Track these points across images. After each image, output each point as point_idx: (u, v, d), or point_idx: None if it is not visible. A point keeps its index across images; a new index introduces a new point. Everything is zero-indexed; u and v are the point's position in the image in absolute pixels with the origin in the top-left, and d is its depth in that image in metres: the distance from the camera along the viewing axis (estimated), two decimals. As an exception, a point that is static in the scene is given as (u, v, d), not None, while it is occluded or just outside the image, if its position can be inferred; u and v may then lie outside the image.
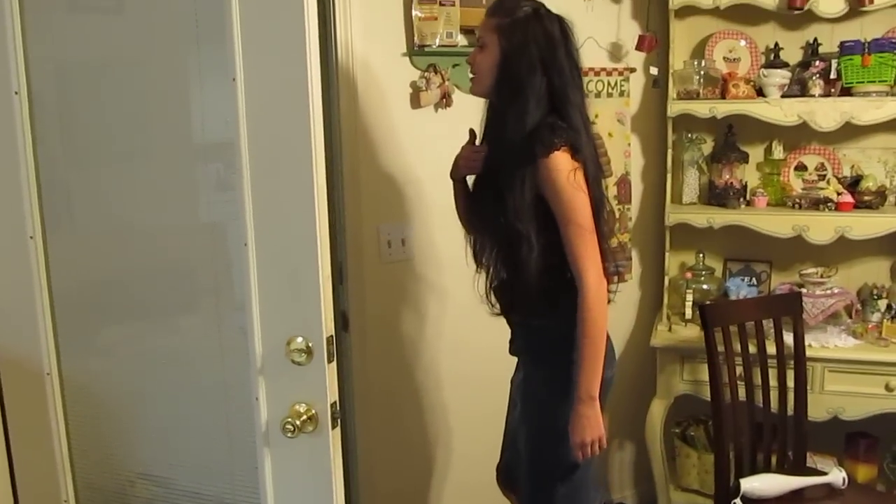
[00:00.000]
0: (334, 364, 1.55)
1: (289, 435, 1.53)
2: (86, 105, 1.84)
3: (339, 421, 1.57)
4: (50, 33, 1.82)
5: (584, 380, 1.92)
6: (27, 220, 1.85)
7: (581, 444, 1.95)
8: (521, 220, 1.92)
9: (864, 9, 2.82)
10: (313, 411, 1.54)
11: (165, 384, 1.88)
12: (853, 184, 2.99)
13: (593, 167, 1.97)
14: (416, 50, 2.63)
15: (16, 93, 1.81)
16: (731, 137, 3.11)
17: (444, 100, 2.69)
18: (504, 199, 1.93)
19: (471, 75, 2.06)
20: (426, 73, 2.65)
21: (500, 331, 2.19)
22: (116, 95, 1.82)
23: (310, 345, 1.52)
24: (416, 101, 2.66)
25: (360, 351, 2.68)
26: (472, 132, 2.15)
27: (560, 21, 1.98)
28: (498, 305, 2.13)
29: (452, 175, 2.19)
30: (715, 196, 3.11)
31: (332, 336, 1.54)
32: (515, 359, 2.22)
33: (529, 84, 1.91)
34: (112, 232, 1.89)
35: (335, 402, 1.55)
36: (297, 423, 1.52)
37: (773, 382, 2.72)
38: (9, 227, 1.86)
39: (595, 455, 1.97)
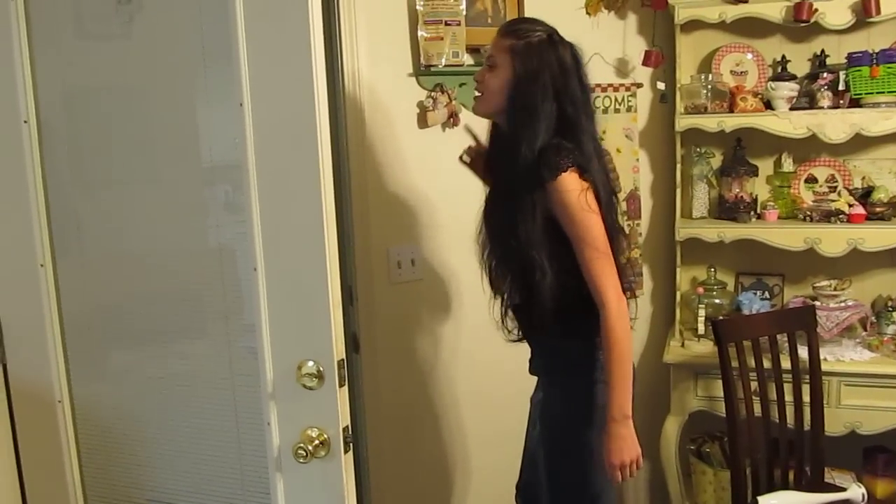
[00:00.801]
0: (346, 388, 1.54)
1: (301, 460, 1.52)
2: (94, 132, 1.85)
3: (351, 445, 1.56)
4: (58, 61, 1.83)
5: (616, 399, 1.89)
6: (37, 247, 1.85)
7: (620, 465, 1.91)
8: (534, 246, 1.91)
9: (871, 20, 2.81)
10: (325, 436, 1.53)
11: (176, 410, 1.88)
12: (864, 195, 2.97)
13: (604, 191, 1.96)
14: (422, 70, 2.63)
15: (25, 121, 1.82)
16: (739, 151, 3.10)
17: (452, 119, 2.69)
18: (515, 224, 1.92)
19: (476, 93, 2.06)
20: (433, 93, 2.65)
21: (515, 349, 2.17)
22: (125, 122, 1.82)
23: (321, 369, 1.51)
24: (423, 121, 2.67)
25: (372, 373, 2.66)
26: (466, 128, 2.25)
27: (572, 48, 1.98)
28: (516, 329, 2.12)
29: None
30: (725, 210, 3.10)
31: (343, 360, 1.53)
32: (533, 377, 2.20)
33: (542, 110, 1.91)
34: (122, 258, 1.89)
35: (347, 427, 1.54)
36: (310, 448, 1.51)
37: (788, 397, 2.69)
38: (19, 255, 1.87)
39: (634, 476, 1.94)
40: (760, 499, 2.47)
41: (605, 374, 1.91)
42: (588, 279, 1.89)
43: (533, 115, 1.91)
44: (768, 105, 2.97)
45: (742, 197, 3.07)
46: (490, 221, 2.07)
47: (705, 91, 2.99)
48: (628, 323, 1.91)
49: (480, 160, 2.24)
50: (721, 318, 2.92)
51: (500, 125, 2.04)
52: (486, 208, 2.11)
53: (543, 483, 2.11)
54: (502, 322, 2.12)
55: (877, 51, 2.82)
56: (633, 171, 3.17)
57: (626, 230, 3.14)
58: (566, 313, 1.97)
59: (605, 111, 3.06)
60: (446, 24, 2.61)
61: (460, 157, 2.26)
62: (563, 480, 2.05)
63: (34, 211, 1.84)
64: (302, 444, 1.51)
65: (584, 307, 1.93)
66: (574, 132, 1.92)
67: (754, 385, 2.67)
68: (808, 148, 3.05)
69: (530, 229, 1.91)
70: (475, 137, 2.26)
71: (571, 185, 1.87)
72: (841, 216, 2.91)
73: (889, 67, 2.78)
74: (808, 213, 2.99)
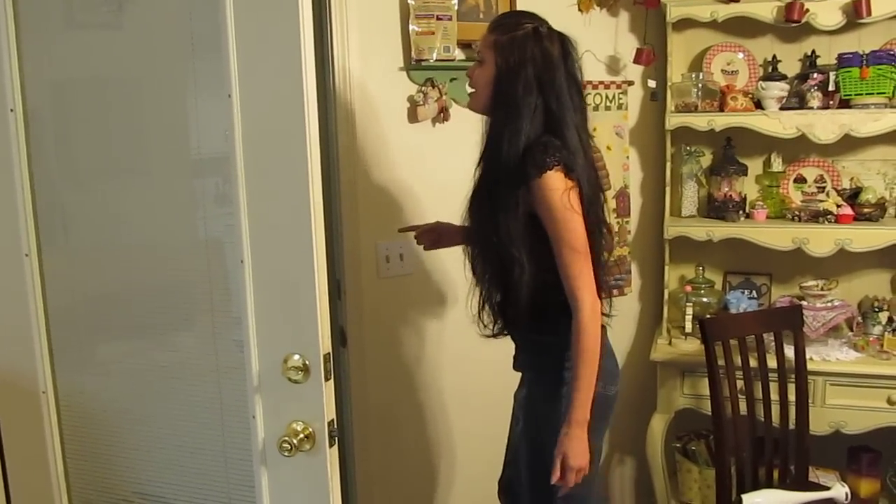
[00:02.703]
0: (332, 382, 1.54)
1: (286, 454, 1.51)
2: (81, 122, 1.84)
3: (336, 439, 1.55)
4: (45, 50, 1.81)
5: (581, 402, 1.89)
6: (22, 237, 1.84)
7: (579, 469, 1.89)
8: (514, 242, 1.91)
9: (862, 21, 2.82)
10: (310, 430, 1.53)
11: (161, 402, 1.87)
12: (853, 196, 2.98)
13: (589, 188, 1.95)
14: (413, 64, 2.62)
15: (11, 110, 1.80)
16: (729, 150, 3.11)
17: (442, 114, 2.69)
18: (497, 220, 1.92)
19: (470, 90, 2.06)
20: (423, 88, 2.64)
21: (501, 345, 2.17)
22: (112, 112, 1.81)
23: (307, 362, 1.51)
24: (413, 116, 2.66)
25: (359, 367, 2.66)
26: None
27: (562, 40, 1.96)
28: (497, 323, 2.11)
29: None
30: (714, 209, 3.11)
31: (329, 353, 1.52)
32: (517, 373, 2.20)
33: (525, 104, 1.90)
34: (108, 249, 1.88)
35: (332, 420, 1.54)
36: (295, 441, 1.51)
37: (774, 396, 2.70)
38: (4, 244, 1.85)
39: (575, 484, 1.92)
40: (745, 497, 2.48)
41: (571, 373, 1.91)
42: (564, 279, 1.89)
43: (515, 111, 1.90)
44: (758, 105, 2.98)
45: (731, 196, 3.08)
46: (473, 214, 2.07)
47: (696, 90, 3.00)
48: (599, 326, 1.91)
49: (438, 235, 2.36)
50: (708, 316, 2.93)
51: (490, 121, 2.03)
52: (471, 200, 2.10)
53: (524, 477, 2.10)
54: (479, 316, 2.11)
55: (867, 52, 2.83)
56: (624, 168, 3.18)
57: (615, 228, 3.14)
58: (548, 310, 1.97)
59: (596, 108, 3.06)
60: (438, 18, 2.61)
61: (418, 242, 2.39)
62: (544, 476, 2.04)
63: (20, 200, 1.83)
64: (287, 438, 1.51)
65: (566, 304, 1.93)
66: (559, 127, 1.91)
67: (740, 384, 2.68)
68: (798, 148, 3.07)
69: (512, 226, 1.90)
70: (412, 228, 2.39)
71: (555, 183, 1.86)
72: (829, 216, 2.92)
73: (879, 69, 2.79)
74: (797, 212, 3.01)
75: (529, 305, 1.95)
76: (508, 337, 2.15)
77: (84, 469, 1.97)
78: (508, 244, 1.92)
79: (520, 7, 2.76)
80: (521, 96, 1.90)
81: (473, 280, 2.10)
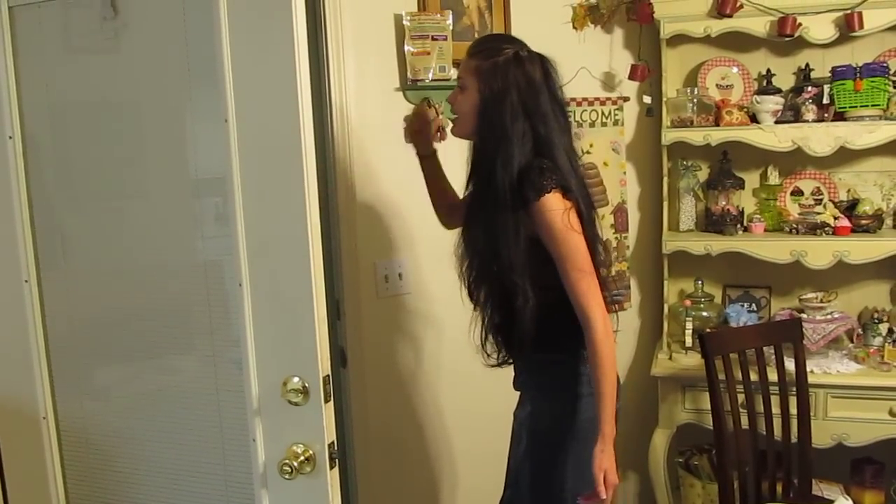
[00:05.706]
0: (331, 404, 1.54)
1: (286, 477, 1.51)
2: (79, 147, 1.85)
3: (336, 461, 1.55)
4: (43, 77, 1.83)
5: (607, 416, 1.87)
6: (21, 264, 1.85)
7: (614, 484, 1.86)
8: (516, 270, 1.90)
9: (855, 34, 2.84)
10: (311, 452, 1.53)
11: (161, 425, 1.87)
12: (850, 208, 2.99)
13: (585, 207, 1.95)
14: (409, 84, 2.64)
15: (10, 137, 1.82)
16: (726, 164, 3.11)
17: (439, 133, 2.68)
18: (497, 248, 1.91)
19: (452, 116, 2.06)
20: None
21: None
22: (110, 137, 1.82)
23: (306, 385, 1.51)
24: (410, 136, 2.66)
25: (359, 387, 2.66)
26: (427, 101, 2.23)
27: (542, 62, 1.95)
28: (496, 353, 2.10)
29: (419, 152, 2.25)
30: (712, 223, 3.11)
31: (328, 375, 1.53)
32: (517, 392, 2.20)
33: (513, 130, 1.89)
34: (107, 273, 1.88)
35: (333, 443, 1.54)
36: (295, 464, 1.51)
37: (775, 410, 2.69)
38: (3, 271, 1.87)
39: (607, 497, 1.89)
40: (748, 511, 2.47)
41: (594, 390, 1.90)
42: (573, 299, 1.89)
43: (504, 137, 1.90)
44: (754, 118, 2.99)
45: (728, 210, 3.09)
46: (469, 238, 2.05)
47: (691, 104, 3.01)
48: (614, 341, 1.91)
49: (427, 128, 2.21)
50: (708, 330, 2.93)
51: (478, 147, 2.03)
52: (464, 229, 2.09)
53: (526, 497, 2.09)
54: (482, 346, 2.10)
55: (860, 65, 2.84)
56: (621, 184, 3.18)
57: (613, 243, 3.15)
58: (551, 330, 1.96)
59: (592, 125, 3.07)
60: (433, 38, 2.62)
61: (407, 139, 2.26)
62: (548, 494, 2.04)
63: (18, 226, 1.84)
64: (287, 461, 1.51)
65: (566, 322, 1.92)
66: (549, 150, 1.91)
67: (741, 397, 2.67)
68: (794, 161, 3.07)
69: (513, 254, 1.90)
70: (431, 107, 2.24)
71: (555, 204, 1.86)
72: (827, 229, 2.92)
73: (873, 81, 2.80)
74: (795, 225, 3.01)
75: (534, 328, 1.94)
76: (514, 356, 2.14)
77: (85, 493, 1.97)
78: (510, 272, 1.91)
79: (514, 26, 2.79)
80: (509, 123, 1.89)
81: (474, 308, 2.09)
